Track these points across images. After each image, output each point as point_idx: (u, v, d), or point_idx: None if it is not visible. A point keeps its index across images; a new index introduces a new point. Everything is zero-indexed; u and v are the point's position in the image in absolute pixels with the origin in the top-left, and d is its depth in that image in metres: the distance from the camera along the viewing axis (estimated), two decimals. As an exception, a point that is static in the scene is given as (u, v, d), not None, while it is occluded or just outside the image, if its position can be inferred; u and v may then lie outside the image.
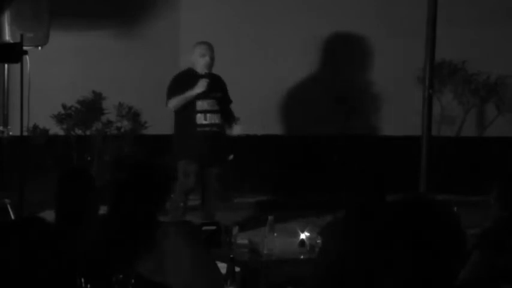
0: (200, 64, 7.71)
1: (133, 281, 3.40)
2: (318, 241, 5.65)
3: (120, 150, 9.02)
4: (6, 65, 8.21)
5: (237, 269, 4.78)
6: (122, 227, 3.59)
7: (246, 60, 9.64)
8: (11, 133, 7.93)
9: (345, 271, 3.89)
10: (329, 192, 7.08)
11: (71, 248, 2.39)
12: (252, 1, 9.85)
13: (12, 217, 7.31)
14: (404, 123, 9.69)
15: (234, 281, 4.64)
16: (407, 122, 9.47)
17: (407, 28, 9.68)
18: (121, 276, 3.39)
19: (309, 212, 8.30)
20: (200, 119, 7.68)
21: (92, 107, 9.01)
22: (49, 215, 3.80)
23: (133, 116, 9.23)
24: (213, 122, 7.71)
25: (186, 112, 7.66)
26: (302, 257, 5.89)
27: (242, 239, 6.04)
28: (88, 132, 9.03)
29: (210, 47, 7.76)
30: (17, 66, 7.23)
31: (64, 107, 8.90)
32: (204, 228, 5.93)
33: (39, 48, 7.87)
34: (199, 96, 7.64)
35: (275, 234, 5.92)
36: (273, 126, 9.84)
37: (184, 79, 7.73)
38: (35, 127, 8.70)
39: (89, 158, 8.96)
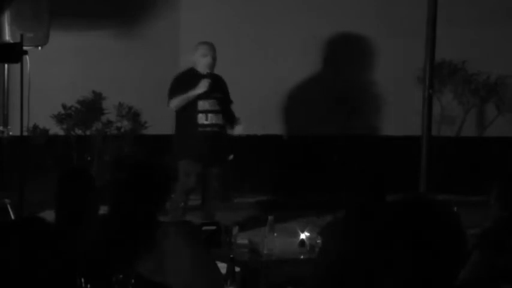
0: (202, 64, 7.71)
1: (133, 281, 3.40)
2: (318, 241, 5.65)
3: (120, 150, 9.02)
4: (6, 65, 8.21)
5: (237, 269, 4.78)
6: (122, 227, 3.58)
7: (246, 60, 9.64)
8: (11, 133, 7.93)
9: (345, 271, 3.89)
10: (329, 192, 7.06)
11: (71, 248, 2.39)
12: (252, 1, 9.85)
13: (12, 217, 7.30)
14: (405, 123, 9.69)
15: (234, 281, 4.64)
16: (408, 122, 9.47)
17: (407, 28, 9.67)
18: (121, 276, 3.39)
19: (309, 212, 8.29)
20: (201, 119, 7.68)
21: (92, 107, 9.01)
22: (49, 215, 3.80)
23: (133, 116, 9.23)
24: (214, 122, 7.71)
25: (187, 112, 7.66)
26: (302, 257, 5.88)
27: (242, 239, 6.03)
28: (88, 132, 9.03)
29: (212, 47, 7.76)
30: (17, 66, 7.23)
31: (64, 107, 8.90)
32: (204, 228, 5.93)
33: (39, 48, 7.87)
34: (201, 96, 7.64)
35: (275, 234, 5.92)
36: (273, 126, 9.84)
37: (186, 79, 7.72)
38: (35, 127, 8.70)
39: (89, 158, 8.96)
